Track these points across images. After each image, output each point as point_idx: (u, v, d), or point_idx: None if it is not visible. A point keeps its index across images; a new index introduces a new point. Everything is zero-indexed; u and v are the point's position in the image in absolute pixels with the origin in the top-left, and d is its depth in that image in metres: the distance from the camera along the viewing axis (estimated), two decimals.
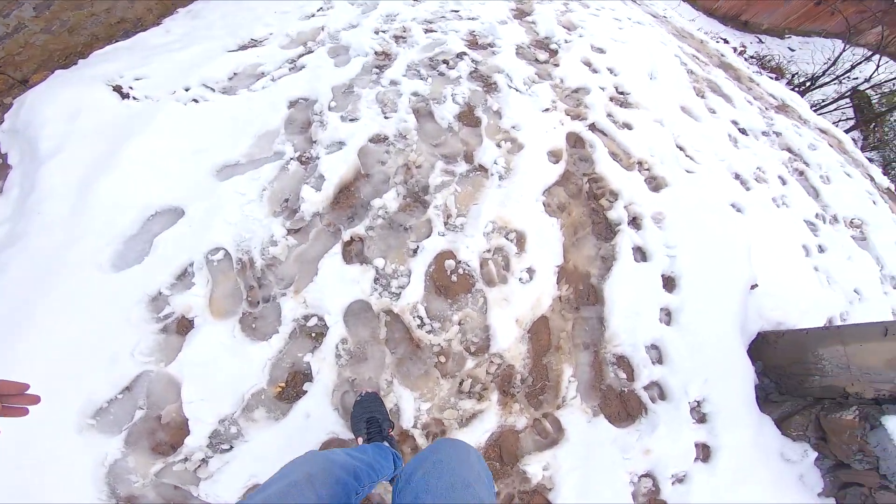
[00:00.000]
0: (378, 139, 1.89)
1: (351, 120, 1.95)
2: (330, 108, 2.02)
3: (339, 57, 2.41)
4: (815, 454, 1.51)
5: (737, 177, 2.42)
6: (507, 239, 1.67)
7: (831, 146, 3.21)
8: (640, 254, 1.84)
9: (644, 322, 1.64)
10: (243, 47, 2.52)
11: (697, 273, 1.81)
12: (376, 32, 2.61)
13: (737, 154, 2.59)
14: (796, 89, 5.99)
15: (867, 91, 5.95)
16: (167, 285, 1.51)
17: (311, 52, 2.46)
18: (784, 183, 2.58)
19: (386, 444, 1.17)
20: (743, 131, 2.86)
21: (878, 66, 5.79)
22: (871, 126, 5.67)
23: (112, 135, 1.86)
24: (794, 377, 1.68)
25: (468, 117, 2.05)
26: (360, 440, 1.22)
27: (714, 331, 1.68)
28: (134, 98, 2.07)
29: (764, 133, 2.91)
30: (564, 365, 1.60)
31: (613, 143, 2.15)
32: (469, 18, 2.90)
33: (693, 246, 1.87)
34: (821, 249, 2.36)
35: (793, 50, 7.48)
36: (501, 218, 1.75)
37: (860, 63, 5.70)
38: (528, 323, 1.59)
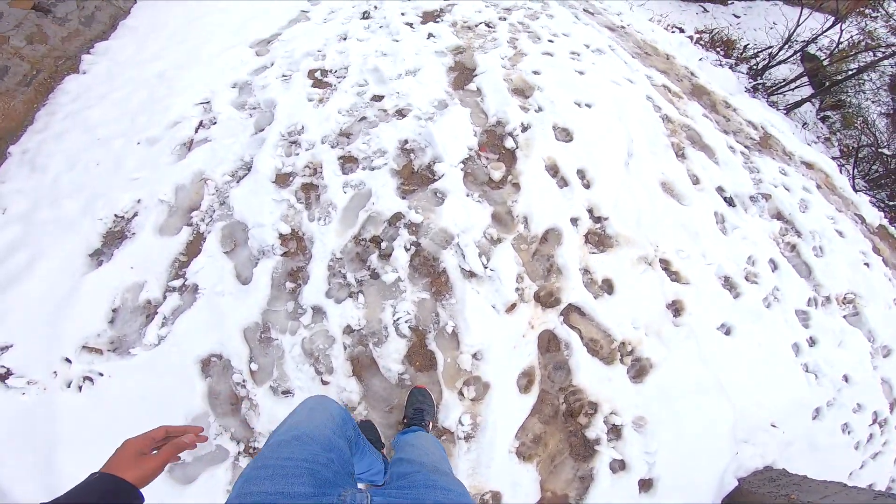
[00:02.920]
0: None
1: (284, 393, 1.46)
2: (252, 374, 1.49)
3: (237, 252, 1.69)
4: None
5: (726, 281, 2.03)
6: None
7: (820, 187, 2.68)
8: (619, 464, 1.66)
9: None
10: (109, 239, 1.78)
11: (676, 472, 1.62)
12: (277, 183, 1.83)
13: (725, 246, 2.14)
14: (754, 68, 4.87)
15: (817, 54, 4.93)
16: None
17: (202, 240, 1.75)
18: (775, 268, 2.18)
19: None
20: (730, 202, 2.34)
21: (839, 39, 4.63)
22: (827, 92, 4.81)
23: (32, 443, 1.42)
24: None
25: (420, 356, 1.52)
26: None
27: None
28: (11, 385, 1.52)
29: (752, 199, 2.37)
30: None
31: (592, 326, 1.69)
32: (397, 113, 2.02)
33: (674, 446, 1.63)
34: (811, 342, 2.10)
35: (738, 17, 6.01)
36: (474, 486, 1.45)
37: (819, 35, 4.51)
38: None
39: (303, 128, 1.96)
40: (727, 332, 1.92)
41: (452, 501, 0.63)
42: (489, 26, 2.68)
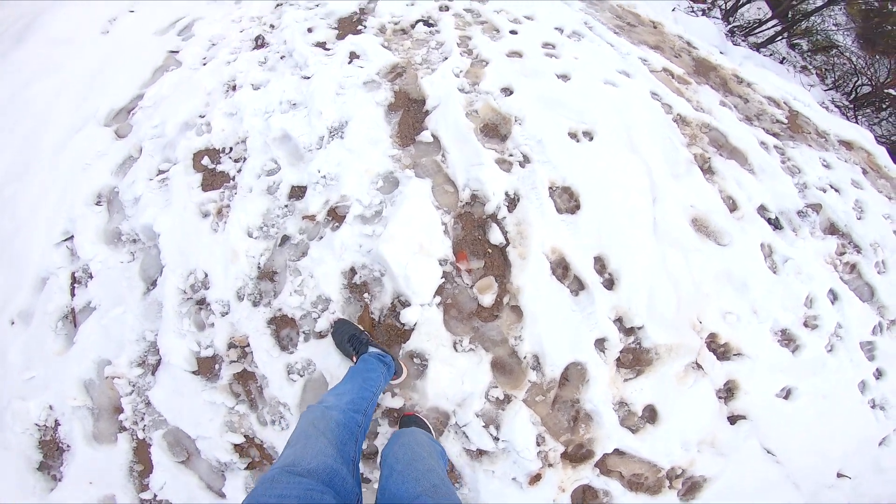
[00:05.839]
0: None
1: None
2: None
3: (194, 462, 1.19)
4: None
5: (783, 335, 1.53)
6: None
7: (866, 172, 1.93)
8: None
9: None
10: (48, 451, 1.29)
11: None
12: (202, 375, 1.18)
13: (778, 289, 1.54)
14: (722, 8, 3.66)
15: None
16: None
17: (148, 447, 1.21)
18: (836, 299, 1.65)
19: (371, 351, 1.07)
20: (776, 224, 1.68)
21: None
22: (795, 24, 3.75)
23: None
24: None
25: None
26: (354, 358, 1.09)
27: None
28: None
29: (800, 214, 1.69)
30: None
31: (634, 463, 1.23)
32: (330, 216, 1.28)
33: None
34: (878, 375, 1.70)
35: None
36: None
37: None
38: None
39: (206, 277, 1.26)
40: (787, 396, 1.52)
41: None
42: (429, 24, 1.70)
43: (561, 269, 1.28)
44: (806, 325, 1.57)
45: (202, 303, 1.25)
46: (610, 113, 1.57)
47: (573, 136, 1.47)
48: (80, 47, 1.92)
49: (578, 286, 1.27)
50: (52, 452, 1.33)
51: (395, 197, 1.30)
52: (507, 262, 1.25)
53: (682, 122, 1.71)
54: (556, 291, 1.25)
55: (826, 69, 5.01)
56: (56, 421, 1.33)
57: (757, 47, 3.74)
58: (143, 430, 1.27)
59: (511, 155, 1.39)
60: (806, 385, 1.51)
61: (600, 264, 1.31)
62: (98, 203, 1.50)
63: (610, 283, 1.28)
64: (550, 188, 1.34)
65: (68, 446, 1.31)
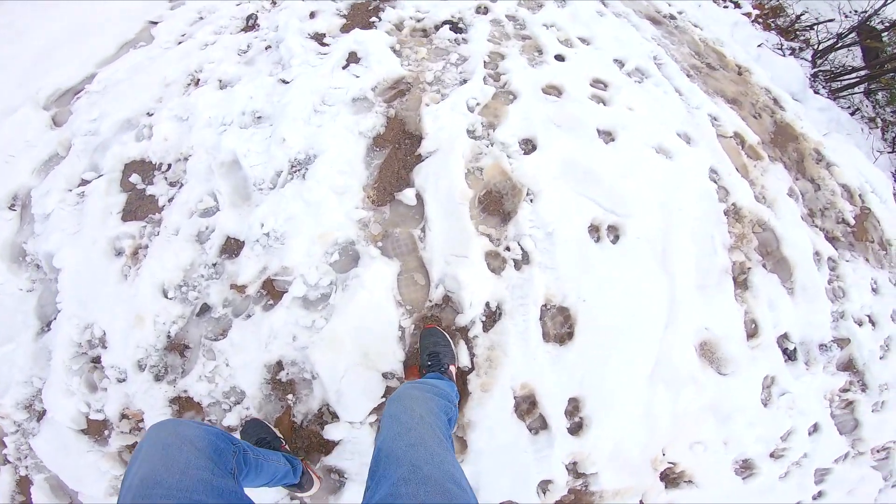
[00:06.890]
0: None
1: None
2: None
3: None
4: None
5: (743, 464, 1.36)
6: None
7: None
8: None
9: None
10: None
11: None
12: (90, 436, 0.99)
13: (761, 423, 1.34)
14: (814, 47, 3.04)
15: (878, 28, 3.04)
16: None
17: (29, 484, 1.09)
18: (815, 431, 1.47)
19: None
20: (790, 355, 1.43)
21: None
22: (879, 73, 3.08)
23: None
24: None
25: None
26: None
27: None
28: None
29: (822, 347, 1.42)
30: None
31: None
32: (264, 290, 0.98)
33: None
34: (818, 495, 1.52)
35: None
36: None
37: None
38: None
39: (104, 335, 1.02)
40: None
41: None
42: (458, 30, 1.24)
43: (527, 405, 1.05)
44: (772, 455, 1.42)
45: (98, 361, 1.03)
46: (650, 200, 1.22)
47: (594, 231, 1.14)
48: (57, 7, 1.45)
49: (540, 425, 1.05)
50: None
51: (349, 280, 1.01)
52: (464, 389, 1.02)
53: (735, 216, 1.36)
54: (512, 429, 1.03)
55: (890, 122, 4.45)
56: None
57: (835, 94, 3.19)
58: (26, 468, 1.13)
59: (508, 249, 1.07)
60: None
61: (574, 405, 1.07)
62: (12, 207, 1.19)
63: (577, 428, 1.06)
64: (544, 306, 1.06)
65: None
